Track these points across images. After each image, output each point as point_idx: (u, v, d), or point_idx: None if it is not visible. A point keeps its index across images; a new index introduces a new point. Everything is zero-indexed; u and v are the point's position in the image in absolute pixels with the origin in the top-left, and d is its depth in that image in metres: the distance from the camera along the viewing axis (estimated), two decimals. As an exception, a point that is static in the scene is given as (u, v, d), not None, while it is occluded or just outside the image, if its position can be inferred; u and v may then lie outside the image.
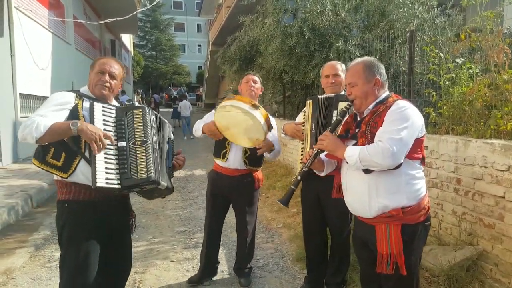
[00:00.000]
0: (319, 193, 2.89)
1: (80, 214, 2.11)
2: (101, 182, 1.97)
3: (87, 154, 2.05)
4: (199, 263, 3.40)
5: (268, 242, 4.36)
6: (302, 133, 2.92)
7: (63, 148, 2.04)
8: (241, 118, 2.81)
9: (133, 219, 2.43)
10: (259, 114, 2.81)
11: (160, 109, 30.36)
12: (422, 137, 1.99)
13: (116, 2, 15.51)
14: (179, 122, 17.31)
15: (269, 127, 2.93)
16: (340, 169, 2.21)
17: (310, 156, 2.18)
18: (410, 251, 1.98)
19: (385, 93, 2.09)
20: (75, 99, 2.13)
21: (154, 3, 15.71)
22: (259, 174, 3.27)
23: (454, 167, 3.36)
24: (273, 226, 4.88)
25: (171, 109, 19.55)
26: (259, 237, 4.50)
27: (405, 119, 1.89)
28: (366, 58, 2.15)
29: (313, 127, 2.78)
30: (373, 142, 1.92)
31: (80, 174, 2.07)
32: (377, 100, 2.05)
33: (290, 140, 3.35)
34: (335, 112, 2.74)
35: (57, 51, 11.00)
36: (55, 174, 2.08)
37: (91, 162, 2.00)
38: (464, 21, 5.91)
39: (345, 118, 2.17)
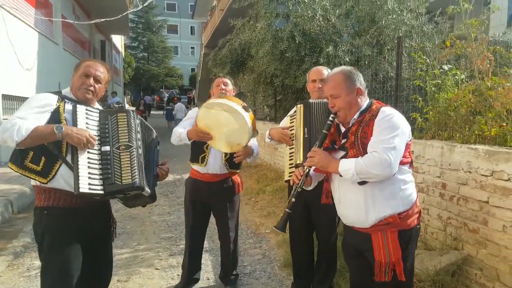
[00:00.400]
0: (306, 200, 2.87)
1: (61, 221, 2.04)
2: (84, 188, 1.91)
3: (68, 158, 1.99)
4: (182, 272, 3.34)
5: (256, 248, 4.32)
6: (290, 137, 2.89)
7: (42, 152, 1.97)
8: (227, 119, 2.72)
9: (114, 226, 2.35)
10: (248, 118, 2.77)
11: (152, 112, 30.19)
12: (410, 141, 2.01)
13: (107, 2, 15.36)
14: (173, 123, 17.32)
15: (254, 133, 2.90)
16: (330, 181, 2.19)
17: (301, 176, 2.11)
18: (406, 257, 1.99)
19: (366, 100, 2.09)
20: (57, 101, 2.06)
21: (146, 3, 15.63)
22: (238, 178, 3.23)
23: (440, 172, 3.39)
24: (261, 231, 4.85)
25: (162, 111, 19.52)
26: (247, 242, 4.47)
27: (395, 127, 1.90)
28: (344, 68, 2.14)
29: (306, 132, 2.71)
30: (365, 152, 1.91)
31: (61, 179, 2.00)
32: (361, 109, 2.05)
33: (277, 145, 3.30)
34: (333, 116, 2.73)
35: (43, 51, 10.79)
36: (34, 179, 2.01)
37: (74, 167, 1.94)
38: (451, 28, 6.01)
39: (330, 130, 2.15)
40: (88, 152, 2.00)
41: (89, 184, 1.93)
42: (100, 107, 2.29)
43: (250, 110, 2.86)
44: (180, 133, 2.98)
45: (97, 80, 2.18)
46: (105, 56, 20.40)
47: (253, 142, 3.07)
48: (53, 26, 12.17)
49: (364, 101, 2.08)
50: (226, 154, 3.00)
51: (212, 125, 2.78)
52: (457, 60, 4.54)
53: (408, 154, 2.01)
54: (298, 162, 2.72)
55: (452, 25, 6.21)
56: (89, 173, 1.96)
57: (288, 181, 2.90)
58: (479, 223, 2.99)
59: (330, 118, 2.09)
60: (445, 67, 3.87)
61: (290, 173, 2.85)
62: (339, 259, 3.10)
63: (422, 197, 3.61)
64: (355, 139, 1.98)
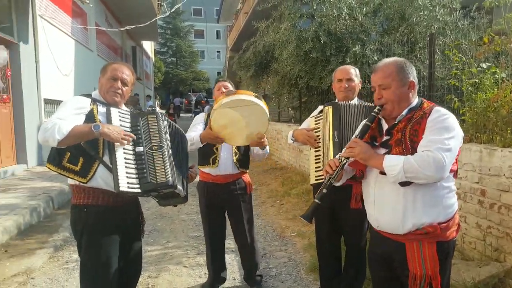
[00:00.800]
0: (333, 204, 2.75)
1: (100, 219, 2.13)
2: (123, 187, 1.99)
3: (105, 159, 2.07)
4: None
5: (282, 251, 4.26)
6: (315, 139, 2.77)
7: (80, 152, 2.05)
8: (244, 113, 2.67)
9: (143, 223, 2.44)
10: (263, 105, 2.70)
11: (181, 114, 30.75)
12: (459, 148, 1.83)
13: (137, 10, 15.83)
14: None
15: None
16: (364, 179, 2.01)
17: (336, 167, 1.93)
18: (444, 270, 1.83)
19: (416, 98, 1.91)
20: (90, 104, 2.14)
21: (173, 9, 15.91)
22: (247, 177, 3.21)
23: (478, 178, 3.16)
24: (287, 234, 4.78)
25: (190, 114, 19.91)
26: (273, 245, 4.44)
27: (451, 129, 1.73)
28: (397, 58, 1.94)
29: (335, 135, 2.61)
30: (414, 152, 1.74)
31: (99, 179, 2.08)
32: (411, 106, 1.87)
33: (301, 146, 3.19)
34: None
35: (79, 58, 11.28)
36: (73, 178, 2.09)
37: (112, 166, 2.02)
38: (489, 24, 5.66)
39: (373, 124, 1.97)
40: (124, 152, 2.08)
41: (128, 183, 2.01)
42: (127, 109, 2.34)
43: (261, 98, 2.78)
44: (192, 137, 2.94)
45: (124, 83, 2.24)
46: (136, 61, 20.91)
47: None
48: (88, 33, 12.65)
49: (415, 98, 1.89)
50: (236, 153, 3.01)
51: (228, 123, 2.72)
52: (496, 57, 4.25)
53: (455, 161, 1.82)
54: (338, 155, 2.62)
55: (490, 21, 5.87)
56: (127, 172, 2.04)
57: (313, 184, 2.81)
58: (523, 233, 2.75)
59: (375, 110, 1.90)
60: (483, 65, 3.62)
61: (316, 176, 2.75)
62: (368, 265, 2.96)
63: (459, 204, 3.36)
64: (402, 137, 1.80)
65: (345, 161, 1.92)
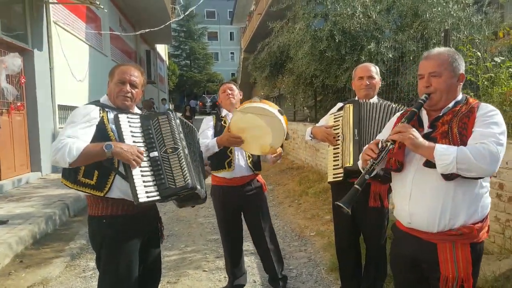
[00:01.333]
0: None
1: (121, 229, 2.07)
2: (142, 198, 1.93)
3: (120, 169, 2.01)
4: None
5: (301, 251, 4.27)
6: (334, 137, 2.80)
7: (94, 165, 1.98)
8: (262, 123, 2.68)
9: (162, 228, 2.38)
10: (284, 120, 2.73)
11: (196, 116, 31.01)
12: None
13: (150, 14, 15.94)
14: None
15: (287, 136, 2.85)
16: (403, 172, 1.86)
17: (378, 150, 1.80)
18: (476, 272, 1.79)
19: (460, 92, 1.86)
20: (100, 112, 2.07)
21: (187, 13, 16.06)
22: (261, 178, 3.21)
23: (496, 172, 3.17)
24: (306, 234, 4.80)
25: (203, 116, 20.08)
26: (292, 245, 4.43)
27: (501, 124, 1.69)
28: (450, 48, 1.92)
29: (356, 133, 2.62)
30: (462, 144, 1.67)
31: (117, 190, 2.02)
32: (457, 99, 1.82)
33: (319, 144, 3.22)
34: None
35: (94, 63, 11.34)
36: (90, 193, 2.02)
37: (129, 179, 1.95)
38: (502, 18, 5.62)
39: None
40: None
41: (146, 192, 1.95)
42: (139, 111, 2.29)
43: (284, 114, 2.80)
44: (207, 143, 2.92)
45: (133, 86, 2.16)
46: (150, 65, 21.12)
47: None
48: (102, 39, 12.77)
49: (460, 93, 1.85)
50: (249, 157, 3.00)
51: (246, 128, 2.74)
52: (510, 51, 4.24)
53: None
54: (347, 165, 2.62)
55: (502, 15, 5.82)
56: (143, 181, 1.97)
57: (331, 182, 2.83)
58: (542, 225, 2.77)
59: (423, 98, 1.82)
60: (497, 60, 3.63)
61: (334, 174, 2.77)
62: (389, 263, 2.99)
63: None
64: (448, 129, 1.74)
65: (391, 146, 1.78)
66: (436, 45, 5.29)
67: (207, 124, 3.13)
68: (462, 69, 1.81)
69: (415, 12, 5.77)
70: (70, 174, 2.02)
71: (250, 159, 3.02)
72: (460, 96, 1.83)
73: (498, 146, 1.62)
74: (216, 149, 2.92)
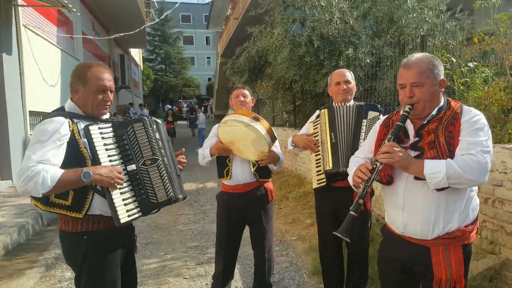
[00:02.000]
0: (336, 206, 2.79)
1: (102, 244, 1.94)
2: (124, 218, 1.83)
3: (99, 187, 1.87)
4: (212, 281, 3.22)
5: (283, 256, 4.27)
6: (315, 144, 2.84)
7: None
8: (243, 131, 2.76)
9: (136, 237, 2.26)
10: (261, 126, 2.76)
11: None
12: None
13: (124, 17, 15.71)
14: (196, 131, 18.57)
15: (273, 139, 2.86)
16: (393, 185, 1.87)
17: (369, 171, 1.79)
18: (466, 273, 1.79)
19: (442, 97, 1.83)
20: (69, 126, 1.86)
21: (162, 16, 15.92)
22: (270, 185, 3.14)
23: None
24: (287, 238, 4.80)
25: (186, 121, 20.10)
26: (273, 250, 4.40)
27: (486, 129, 1.68)
28: (427, 54, 1.86)
29: (332, 137, 2.68)
30: (451, 154, 1.67)
31: (96, 209, 1.90)
32: (440, 105, 1.80)
33: (299, 151, 3.23)
34: (364, 121, 2.66)
35: (66, 68, 11.02)
36: (65, 214, 1.87)
37: (108, 200, 1.84)
38: (473, 25, 5.84)
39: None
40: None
41: (127, 211, 1.85)
42: (108, 120, 2.10)
43: (261, 118, 2.83)
44: (204, 152, 2.99)
45: (111, 91, 2.00)
46: (124, 69, 20.79)
47: (278, 150, 3.02)
48: (74, 43, 12.47)
49: (442, 97, 1.83)
50: (254, 164, 2.95)
51: (233, 139, 2.83)
52: (482, 57, 4.40)
53: None
54: (327, 168, 2.67)
55: (473, 22, 6.05)
56: (123, 199, 1.86)
57: (316, 188, 2.86)
58: (518, 225, 2.86)
59: (406, 109, 1.79)
60: (470, 65, 3.75)
61: (318, 180, 2.80)
62: (370, 266, 3.01)
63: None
64: (435, 139, 1.72)
65: (380, 166, 1.77)
66: (412, 50, 5.43)
67: (214, 132, 3.09)
68: (442, 74, 1.79)
69: (391, 18, 5.91)
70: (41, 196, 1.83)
71: (255, 167, 2.95)
72: (442, 101, 1.81)
73: (485, 154, 1.63)
74: (210, 158, 2.95)
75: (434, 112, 1.78)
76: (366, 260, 2.92)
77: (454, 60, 3.93)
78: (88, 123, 1.90)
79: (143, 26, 15.29)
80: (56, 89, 10.37)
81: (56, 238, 4.85)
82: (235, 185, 2.98)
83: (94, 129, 1.88)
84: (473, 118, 1.71)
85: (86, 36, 13.10)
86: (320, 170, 2.79)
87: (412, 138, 1.81)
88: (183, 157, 2.34)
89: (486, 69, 3.56)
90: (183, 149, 2.41)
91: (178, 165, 2.25)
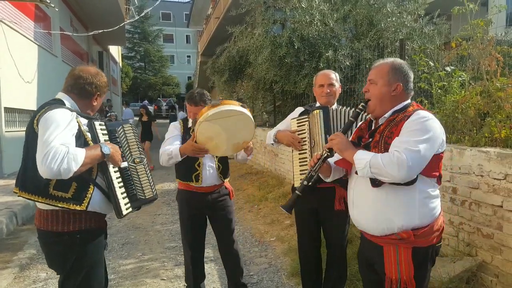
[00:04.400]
0: (317, 206, 2.79)
1: (95, 243, 1.97)
2: (125, 210, 1.92)
3: (98, 181, 1.94)
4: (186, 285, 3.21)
5: (262, 257, 4.24)
6: (299, 142, 2.80)
7: (71, 177, 1.80)
8: (231, 123, 2.64)
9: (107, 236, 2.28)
10: (248, 111, 2.72)
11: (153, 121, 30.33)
12: (442, 153, 1.82)
13: (104, 14, 15.47)
14: None
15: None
16: (348, 180, 2.03)
17: (318, 160, 1.99)
18: (420, 276, 1.81)
19: (405, 102, 1.89)
20: (76, 119, 1.94)
21: (142, 14, 15.68)
22: (228, 184, 3.18)
23: (450, 176, 3.31)
24: (266, 239, 4.78)
25: (159, 121, 19.86)
26: (252, 251, 4.40)
27: (426, 131, 1.71)
28: (397, 60, 1.94)
29: (328, 139, 2.67)
30: (386, 152, 1.76)
31: (95, 203, 1.92)
32: (395, 109, 1.87)
33: (278, 149, 3.22)
34: (354, 123, 2.67)
35: (43, 64, 10.86)
36: (64, 207, 1.85)
37: (111, 191, 1.90)
38: (450, 29, 5.97)
39: (358, 120, 1.99)
40: (114, 172, 1.97)
41: (125, 204, 1.94)
42: (102, 119, 2.22)
43: (246, 106, 2.80)
44: (171, 151, 2.81)
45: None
46: (103, 66, 20.45)
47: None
48: (52, 38, 12.22)
49: (402, 102, 1.89)
50: (219, 166, 2.97)
51: (214, 135, 2.67)
52: (459, 61, 4.49)
53: (437, 167, 1.80)
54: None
55: (450, 26, 6.19)
56: (121, 193, 1.96)
57: (297, 187, 2.83)
58: (493, 228, 2.91)
59: (360, 106, 1.93)
60: (448, 69, 3.81)
61: (301, 179, 2.76)
62: (349, 266, 3.02)
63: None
64: (380, 138, 1.82)
65: (325, 154, 1.97)
66: (391, 53, 5.50)
67: (175, 130, 3.02)
68: (401, 81, 1.85)
69: (371, 21, 5.97)
70: (38, 187, 1.82)
71: (220, 168, 2.98)
72: (401, 105, 1.87)
73: (410, 153, 1.66)
74: (179, 158, 2.82)
75: (386, 115, 1.87)
76: (344, 260, 2.92)
77: (432, 64, 3.99)
78: (88, 119, 2.01)
79: (123, 23, 15.01)
80: (33, 85, 10.14)
81: (32, 237, 4.77)
82: (200, 186, 2.96)
83: (97, 124, 2.02)
84: (418, 119, 1.75)
85: (64, 32, 12.85)
86: (305, 170, 2.74)
87: (368, 138, 1.94)
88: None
89: (463, 73, 3.62)
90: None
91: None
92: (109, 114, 14.24)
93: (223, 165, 3.01)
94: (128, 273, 3.85)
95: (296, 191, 2.05)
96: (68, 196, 1.84)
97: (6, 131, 8.26)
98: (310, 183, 2.02)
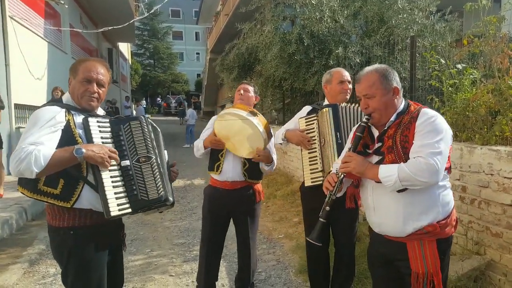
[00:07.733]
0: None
1: (89, 240, 1.92)
2: (114, 211, 1.82)
3: (90, 178, 1.86)
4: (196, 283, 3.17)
5: (270, 254, 4.26)
6: (308, 141, 2.80)
7: (59, 173, 1.80)
8: (239, 126, 2.73)
9: (125, 235, 2.24)
10: (257, 121, 2.73)
11: (160, 118, 30.41)
12: (451, 145, 1.88)
13: (113, 11, 15.51)
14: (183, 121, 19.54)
15: (269, 136, 2.84)
16: (361, 187, 2.04)
17: (335, 183, 1.96)
18: (444, 267, 1.87)
19: (402, 101, 1.94)
20: (65, 115, 1.87)
21: (152, 11, 15.74)
22: (259, 186, 3.11)
23: (459, 175, 3.29)
24: (274, 236, 4.79)
25: (168, 117, 20.23)
26: (260, 248, 4.40)
27: (439, 130, 1.77)
28: (378, 66, 1.97)
29: (338, 137, 2.63)
30: (407, 157, 1.78)
31: (85, 201, 1.87)
32: (398, 111, 1.90)
33: (286, 147, 3.22)
34: None
35: (53, 60, 10.91)
36: (52, 203, 1.83)
37: (100, 190, 1.82)
38: (462, 26, 5.90)
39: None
40: (109, 170, 1.88)
41: (118, 205, 1.84)
42: (103, 112, 2.15)
43: (259, 114, 2.81)
44: (198, 144, 3.01)
45: (100, 85, 1.98)
46: (112, 63, 20.54)
47: (273, 150, 2.99)
48: (62, 35, 12.28)
49: (401, 102, 1.94)
50: (245, 164, 2.91)
51: (229, 134, 2.79)
52: (470, 58, 4.44)
53: (448, 159, 1.86)
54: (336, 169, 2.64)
55: (462, 23, 6.12)
56: (115, 193, 1.86)
57: (310, 186, 2.80)
58: (502, 227, 2.89)
59: (364, 120, 1.95)
60: (459, 66, 3.78)
61: (313, 178, 2.76)
62: (357, 264, 3.02)
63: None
64: (393, 143, 1.83)
65: (342, 176, 1.94)
66: (402, 51, 5.46)
67: (211, 124, 3.07)
68: (395, 83, 1.90)
69: (381, 18, 5.92)
70: (29, 182, 1.81)
71: (246, 166, 2.92)
72: (402, 106, 1.91)
73: (435, 156, 1.71)
74: (203, 150, 2.96)
75: (392, 118, 1.89)
76: (353, 258, 2.92)
77: (443, 61, 3.95)
78: (86, 116, 1.93)
79: (132, 20, 15.07)
80: (43, 82, 10.21)
81: (41, 233, 4.82)
82: (223, 181, 2.96)
83: (92, 121, 1.93)
84: (427, 120, 1.80)
85: (74, 29, 12.91)
86: (316, 168, 2.75)
87: (376, 144, 1.93)
88: (176, 169, 2.34)
89: (475, 71, 3.58)
90: (175, 161, 2.42)
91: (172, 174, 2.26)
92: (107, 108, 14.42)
93: (250, 163, 2.91)
94: (136, 269, 3.87)
95: (320, 219, 2.04)
96: (56, 193, 1.82)
97: (16, 127, 8.37)
98: (330, 207, 2.01)
